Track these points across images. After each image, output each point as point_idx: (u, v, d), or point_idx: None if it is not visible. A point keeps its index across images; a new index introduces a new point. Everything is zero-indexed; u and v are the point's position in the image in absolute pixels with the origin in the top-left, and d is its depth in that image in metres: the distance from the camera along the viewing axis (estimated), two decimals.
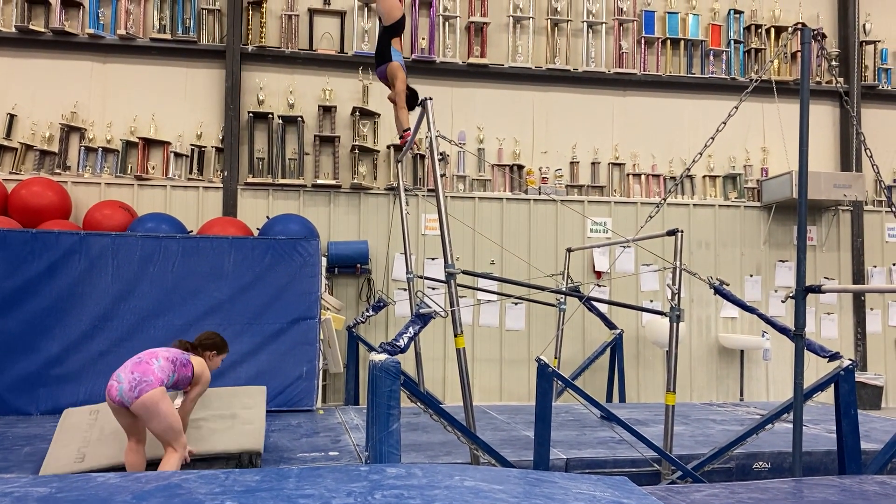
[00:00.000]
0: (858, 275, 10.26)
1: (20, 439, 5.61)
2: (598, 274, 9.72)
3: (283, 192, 9.22)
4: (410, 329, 4.62)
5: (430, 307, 4.72)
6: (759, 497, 3.59)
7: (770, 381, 10.03)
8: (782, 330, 5.59)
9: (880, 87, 10.64)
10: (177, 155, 9.10)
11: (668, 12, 10.19)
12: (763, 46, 10.39)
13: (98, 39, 8.96)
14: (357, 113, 9.37)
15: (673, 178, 10.00)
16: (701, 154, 6.38)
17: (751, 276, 10.15)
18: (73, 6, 8.98)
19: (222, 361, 5.07)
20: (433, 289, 8.92)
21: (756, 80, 5.86)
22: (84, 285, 6.99)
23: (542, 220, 9.72)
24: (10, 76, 8.88)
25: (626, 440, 5.33)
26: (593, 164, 10.00)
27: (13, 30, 8.80)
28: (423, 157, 9.49)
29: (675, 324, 5.37)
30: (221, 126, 9.18)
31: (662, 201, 6.70)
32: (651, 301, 9.77)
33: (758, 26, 10.41)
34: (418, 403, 4.58)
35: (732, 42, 10.29)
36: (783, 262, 10.24)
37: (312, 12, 9.49)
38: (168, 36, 9.08)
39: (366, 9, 9.55)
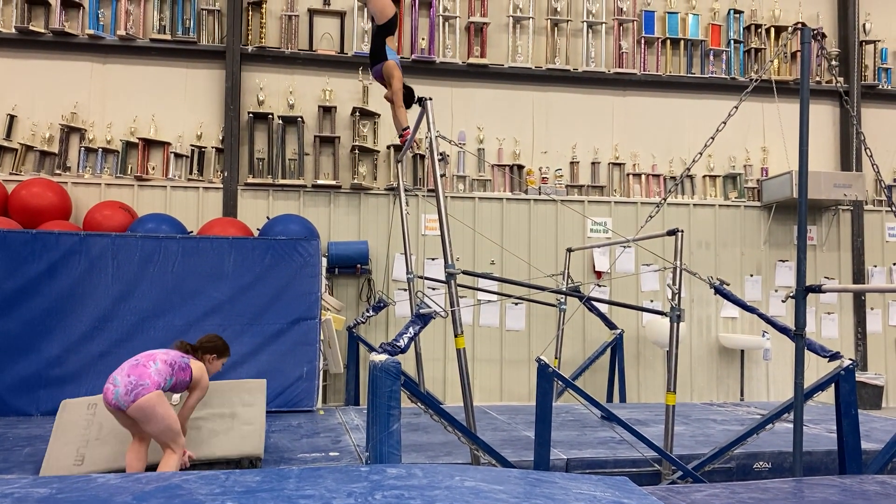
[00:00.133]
0: (858, 274, 10.26)
1: (21, 440, 5.60)
2: (599, 274, 9.72)
3: (283, 193, 9.22)
4: (410, 329, 4.61)
5: (430, 307, 4.72)
6: (759, 497, 3.59)
7: (770, 380, 10.03)
8: (783, 330, 5.59)
9: (880, 87, 10.64)
10: (177, 155, 9.10)
11: (668, 12, 10.19)
12: (763, 46, 10.38)
13: (98, 40, 8.96)
14: (357, 113, 9.37)
15: (673, 177, 10.00)
16: (701, 154, 6.38)
17: (751, 275, 10.15)
18: (73, 7, 8.99)
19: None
20: (433, 289, 8.93)
21: (756, 80, 5.86)
22: (84, 286, 6.99)
23: (542, 220, 9.72)
24: (10, 77, 8.88)
25: (627, 440, 5.33)
26: (593, 164, 10.00)
27: (13, 30, 8.80)
28: (422, 157, 9.49)
29: (675, 324, 5.37)
30: (221, 126, 9.19)
31: (662, 201, 6.70)
32: (651, 301, 9.77)
33: (758, 26, 10.40)
34: (419, 404, 4.58)
35: (732, 42, 10.29)
36: (783, 261, 10.24)
37: (312, 13, 9.49)
38: (168, 36, 9.09)
39: (365, 9, 9.55)
